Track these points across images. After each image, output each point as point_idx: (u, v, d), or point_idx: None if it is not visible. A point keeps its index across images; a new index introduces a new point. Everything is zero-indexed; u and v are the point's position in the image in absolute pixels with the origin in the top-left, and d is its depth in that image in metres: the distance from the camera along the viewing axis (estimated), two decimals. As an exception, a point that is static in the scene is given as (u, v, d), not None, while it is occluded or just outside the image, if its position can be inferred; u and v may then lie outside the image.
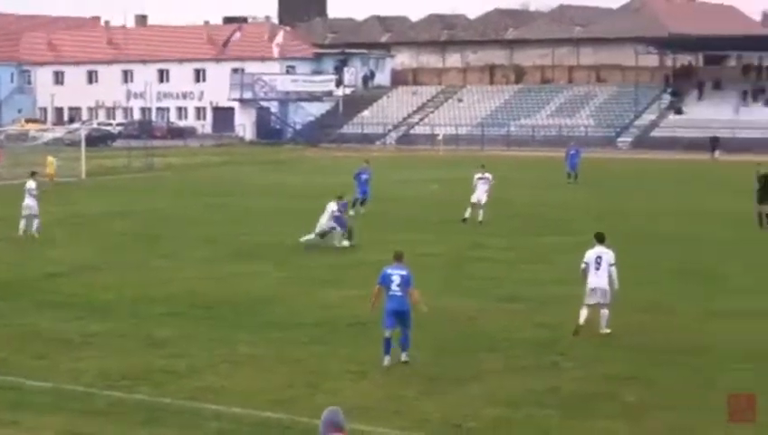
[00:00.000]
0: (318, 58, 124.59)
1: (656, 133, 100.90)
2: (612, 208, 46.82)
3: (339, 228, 35.16)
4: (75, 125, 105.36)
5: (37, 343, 21.73)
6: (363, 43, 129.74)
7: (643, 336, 22.09)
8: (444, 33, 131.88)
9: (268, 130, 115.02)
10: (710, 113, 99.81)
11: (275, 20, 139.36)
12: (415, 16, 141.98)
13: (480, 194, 41.41)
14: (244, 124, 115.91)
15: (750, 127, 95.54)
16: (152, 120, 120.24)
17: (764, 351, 20.83)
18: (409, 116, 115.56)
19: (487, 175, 42.27)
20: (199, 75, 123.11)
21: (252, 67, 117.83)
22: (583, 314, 22.16)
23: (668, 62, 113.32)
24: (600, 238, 22.63)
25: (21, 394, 18.20)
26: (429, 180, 58.55)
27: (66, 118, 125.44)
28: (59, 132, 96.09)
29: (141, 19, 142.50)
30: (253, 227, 40.79)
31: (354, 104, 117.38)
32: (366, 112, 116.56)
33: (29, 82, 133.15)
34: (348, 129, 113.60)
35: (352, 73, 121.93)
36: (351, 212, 43.92)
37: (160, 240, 37.25)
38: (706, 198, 51.94)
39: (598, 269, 22.00)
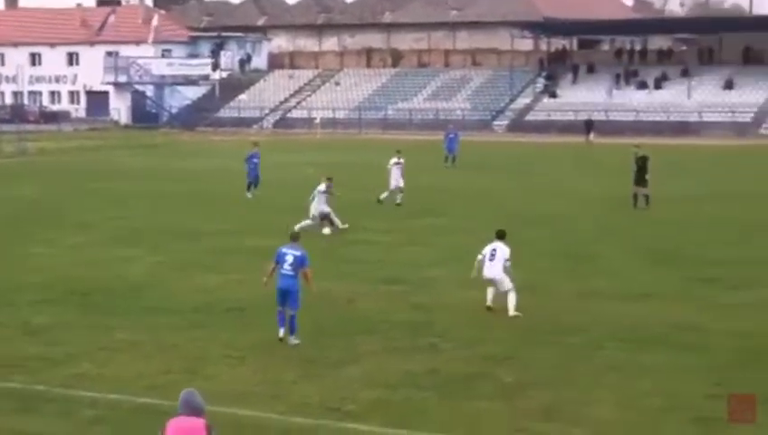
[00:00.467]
0: (194, 41, 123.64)
1: (531, 116, 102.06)
2: (489, 191, 47.25)
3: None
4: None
5: None
6: (239, 26, 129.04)
7: (520, 317, 22.32)
8: (321, 17, 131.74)
9: (143, 114, 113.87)
10: (584, 96, 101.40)
11: (149, 3, 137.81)
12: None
13: (397, 179, 42.09)
14: (119, 108, 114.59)
15: (623, 109, 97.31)
16: (24, 104, 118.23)
17: (637, 329, 21.20)
18: (286, 100, 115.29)
19: (402, 160, 42.93)
20: (73, 59, 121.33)
21: (126, 50, 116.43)
22: (489, 293, 22.72)
23: (543, 46, 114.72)
24: (500, 235, 23.26)
25: None
26: (306, 164, 58.43)
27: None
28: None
29: (12, 1, 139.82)
30: (129, 212, 40.32)
31: (231, 88, 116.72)
32: (243, 96, 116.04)
33: None
34: (224, 112, 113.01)
35: (229, 57, 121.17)
36: (248, 195, 44.01)
37: (34, 226, 36.58)
38: (581, 180, 52.62)
39: (492, 260, 22.55)
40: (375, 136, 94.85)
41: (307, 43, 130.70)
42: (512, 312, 22.28)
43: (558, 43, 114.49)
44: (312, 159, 63.41)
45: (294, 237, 20.68)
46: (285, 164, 59.56)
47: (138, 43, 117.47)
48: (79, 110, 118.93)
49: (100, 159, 68.79)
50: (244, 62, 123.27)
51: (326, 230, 34.13)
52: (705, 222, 37.17)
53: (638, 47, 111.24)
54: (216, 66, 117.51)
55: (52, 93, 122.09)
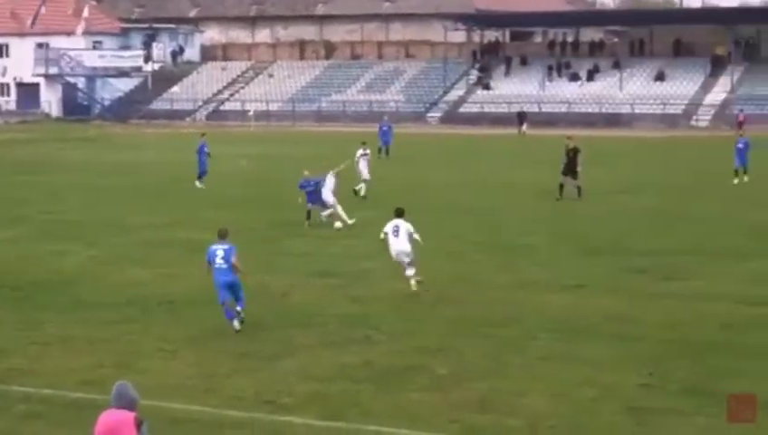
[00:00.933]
0: (125, 33, 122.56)
1: (464, 109, 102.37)
2: (422, 182, 47.34)
3: (318, 203, 34.72)
4: None
5: None
6: (171, 17, 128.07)
7: (453, 308, 22.42)
8: (253, 9, 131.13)
9: (75, 107, 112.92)
10: (517, 88, 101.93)
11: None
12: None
13: (364, 170, 42.32)
14: (50, 100, 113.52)
15: (555, 101, 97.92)
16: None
17: (569, 320, 21.35)
18: (219, 92, 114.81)
19: (368, 151, 43.62)
20: (2, 50, 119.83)
21: (57, 42, 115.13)
22: (409, 276, 23.36)
23: (476, 39, 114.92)
24: (399, 213, 23.82)
25: None
26: (239, 156, 58.26)
27: None
28: None
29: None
30: (62, 206, 40.00)
31: (163, 80, 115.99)
32: (175, 88, 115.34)
33: None
34: (157, 105, 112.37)
35: (161, 49, 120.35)
36: (199, 184, 44.11)
37: (-36, 220, 36.19)
38: (513, 172, 52.89)
39: (396, 236, 23.34)
40: (309, 128, 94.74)
41: (240, 35, 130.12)
42: (413, 287, 23.15)
43: (491, 35, 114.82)
44: (246, 151, 63.20)
45: (222, 234, 20.75)
46: (219, 156, 59.21)
47: (68, 34, 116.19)
48: (9, 102, 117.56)
49: (31, 152, 68.12)
50: (177, 54, 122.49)
51: (338, 225, 33.96)
52: (635, 213, 37.46)
53: (570, 39, 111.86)
54: (148, 58, 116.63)
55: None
